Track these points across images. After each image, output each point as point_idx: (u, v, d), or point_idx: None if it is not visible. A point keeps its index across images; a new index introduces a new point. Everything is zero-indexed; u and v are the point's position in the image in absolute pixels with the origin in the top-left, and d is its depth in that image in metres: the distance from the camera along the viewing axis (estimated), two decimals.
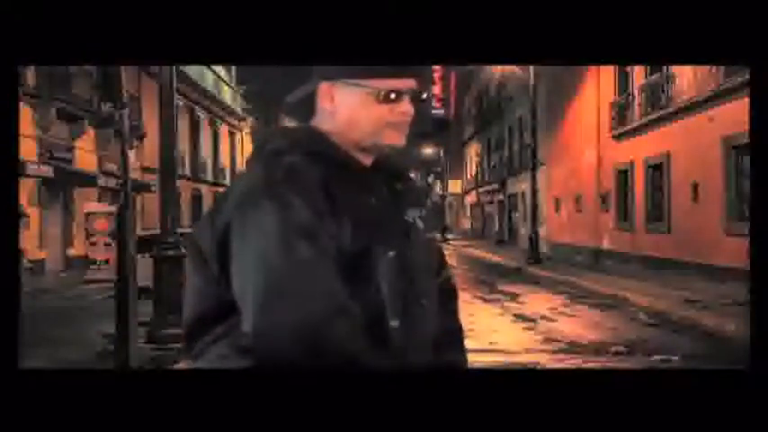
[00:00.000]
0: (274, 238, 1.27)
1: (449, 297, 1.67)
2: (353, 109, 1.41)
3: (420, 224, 1.52)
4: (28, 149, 16.15)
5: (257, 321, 1.25)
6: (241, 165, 37.80)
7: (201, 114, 32.73)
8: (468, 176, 49.71)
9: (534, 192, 22.17)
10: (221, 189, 32.50)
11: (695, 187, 15.53)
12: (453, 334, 1.65)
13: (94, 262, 16.33)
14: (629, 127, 19.22)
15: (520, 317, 10.45)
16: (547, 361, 7.23)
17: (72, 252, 19.11)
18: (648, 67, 18.06)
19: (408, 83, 1.43)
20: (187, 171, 29.64)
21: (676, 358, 7.34)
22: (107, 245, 15.70)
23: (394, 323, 1.38)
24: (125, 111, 7.27)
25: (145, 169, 23.23)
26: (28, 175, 15.42)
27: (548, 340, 8.49)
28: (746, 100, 10.91)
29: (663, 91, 17.07)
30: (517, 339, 8.52)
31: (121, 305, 6.36)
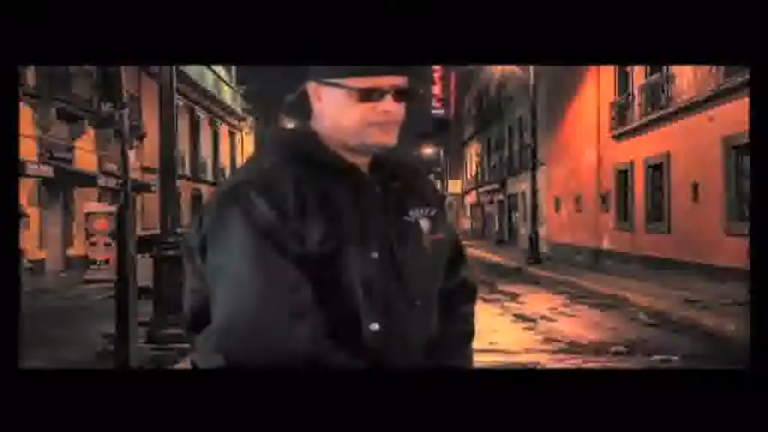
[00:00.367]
0: (236, 239, 1.32)
1: (463, 300, 1.62)
2: (336, 109, 1.41)
3: (425, 224, 1.49)
4: (28, 149, 16.15)
5: (218, 320, 1.32)
6: (241, 165, 37.71)
7: (201, 114, 32.72)
8: (468, 176, 49.69)
9: (534, 192, 22.16)
10: None
11: (695, 187, 15.53)
12: (459, 337, 1.60)
13: (94, 262, 16.33)
14: (629, 127, 19.21)
15: (520, 317, 10.45)
16: (547, 361, 7.22)
17: (72, 252, 19.10)
18: (648, 67, 18.06)
19: (390, 80, 1.39)
20: (187, 171, 29.63)
21: (676, 358, 7.33)
22: (107, 245, 15.70)
23: (373, 325, 1.37)
24: (125, 111, 7.27)
25: (145, 169, 23.23)
26: (28, 175, 15.42)
27: (548, 340, 8.48)
28: (746, 100, 10.91)
29: (663, 91, 17.06)
30: (517, 339, 8.51)
31: (121, 305, 6.36)
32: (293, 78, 1.59)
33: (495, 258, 24.86)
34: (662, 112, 16.94)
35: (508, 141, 34.47)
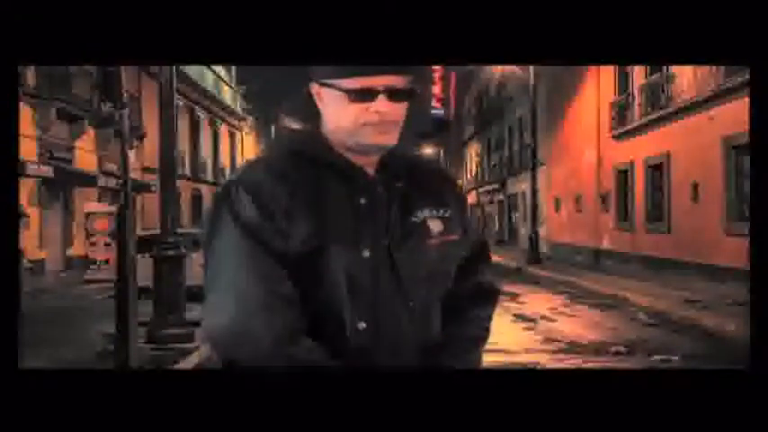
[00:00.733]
0: (219, 235, 1.38)
1: (476, 303, 1.57)
2: (334, 110, 1.42)
3: (435, 225, 1.48)
4: (28, 149, 16.15)
5: (202, 313, 1.38)
6: (241, 165, 37.75)
7: (201, 114, 32.72)
8: (468, 176, 49.67)
9: (534, 192, 22.16)
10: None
11: (695, 187, 15.53)
12: (467, 342, 1.53)
13: (94, 262, 16.29)
14: (629, 127, 19.21)
15: (520, 317, 10.44)
16: (547, 361, 7.23)
17: (72, 252, 19.10)
18: (648, 67, 18.05)
19: (383, 80, 1.38)
20: (187, 171, 29.63)
21: (676, 358, 7.34)
22: (107, 245, 15.67)
23: (360, 324, 1.37)
24: (125, 111, 7.26)
25: (145, 169, 23.23)
26: (28, 175, 15.41)
27: (548, 340, 8.49)
28: (746, 100, 10.91)
29: (663, 91, 17.06)
30: (517, 339, 8.51)
31: (121, 305, 6.36)
32: (293, 78, 1.59)
33: (495, 258, 24.78)
34: (662, 112, 16.94)
35: (508, 141, 34.46)
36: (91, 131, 19.98)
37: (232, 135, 39.10)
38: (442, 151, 56.21)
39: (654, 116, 17.43)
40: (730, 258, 13.07)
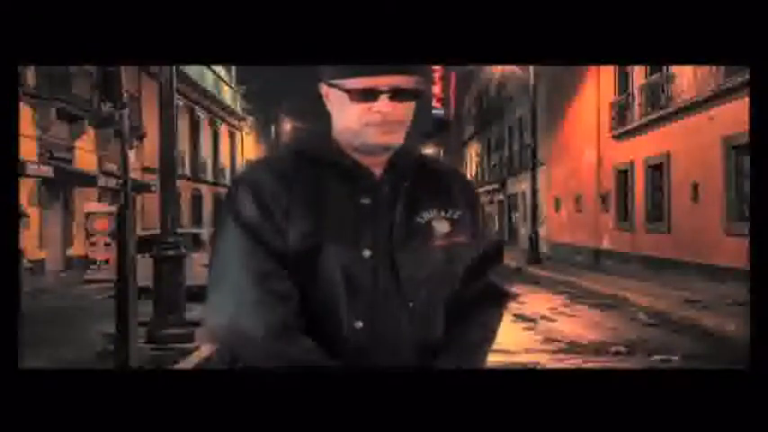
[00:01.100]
0: (220, 235, 1.42)
1: (484, 306, 1.54)
2: (339, 110, 1.43)
3: (441, 226, 1.46)
4: (28, 149, 16.15)
5: (204, 312, 1.40)
6: (241, 165, 37.86)
7: (201, 114, 32.72)
8: (468, 176, 49.69)
9: (534, 192, 22.16)
10: (221, 189, 32.53)
11: (695, 187, 15.52)
12: (472, 345, 1.51)
13: (94, 262, 16.29)
14: (629, 127, 19.21)
15: (520, 317, 10.44)
16: (547, 361, 7.22)
17: (72, 252, 19.10)
18: (648, 67, 18.05)
19: (386, 80, 1.37)
20: (187, 171, 29.63)
21: (676, 358, 7.33)
22: (107, 245, 15.66)
23: (357, 323, 1.38)
24: (125, 111, 7.26)
25: (145, 169, 23.23)
26: (28, 175, 15.41)
27: (548, 340, 8.48)
28: (746, 100, 10.91)
29: (663, 91, 17.05)
30: (517, 339, 8.51)
31: (121, 305, 6.36)
32: (293, 78, 1.59)
33: None
34: (662, 112, 16.94)
35: (508, 141, 34.45)
36: (91, 131, 19.98)
37: (232, 135, 39.09)
38: (441, 151, 56.19)
39: (654, 116, 17.43)
40: (730, 258, 13.07)
